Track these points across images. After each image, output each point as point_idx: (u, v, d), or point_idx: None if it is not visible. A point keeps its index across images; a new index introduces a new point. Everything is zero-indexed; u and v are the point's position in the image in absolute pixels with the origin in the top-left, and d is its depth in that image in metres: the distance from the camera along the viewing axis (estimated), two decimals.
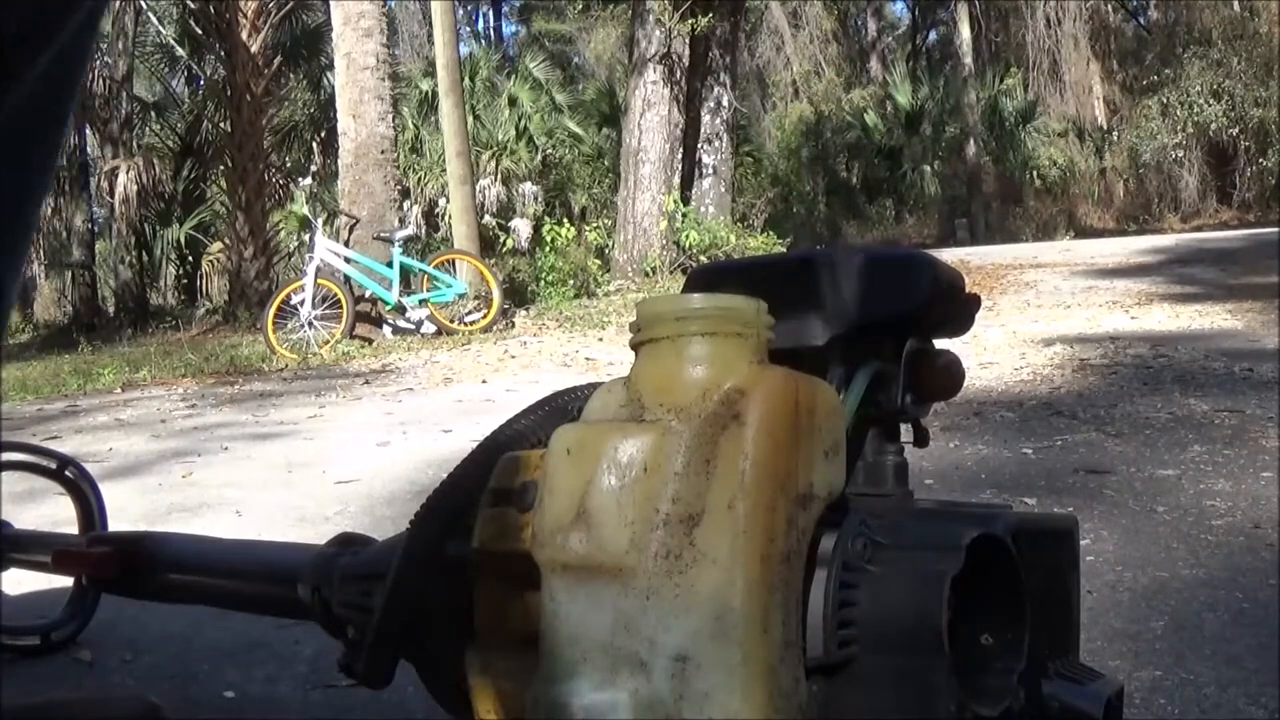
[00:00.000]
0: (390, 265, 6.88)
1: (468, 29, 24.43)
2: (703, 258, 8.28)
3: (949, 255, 7.84)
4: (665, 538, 0.30)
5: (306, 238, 7.42)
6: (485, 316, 6.87)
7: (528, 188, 13.41)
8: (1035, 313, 4.82)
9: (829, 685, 0.32)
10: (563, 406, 0.40)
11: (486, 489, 0.37)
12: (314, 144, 13.97)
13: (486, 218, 12.33)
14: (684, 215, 8.63)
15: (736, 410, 0.31)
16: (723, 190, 9.46)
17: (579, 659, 0.30)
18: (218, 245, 12.53)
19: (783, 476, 0.31)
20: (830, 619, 0.32)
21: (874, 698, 0.32)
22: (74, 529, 1.08)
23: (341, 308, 6.53)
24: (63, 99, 0.71)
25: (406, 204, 12.01)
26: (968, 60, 18.39)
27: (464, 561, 0.37)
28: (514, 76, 14.95)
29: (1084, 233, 15.81)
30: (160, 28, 13.29)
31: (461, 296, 7.05)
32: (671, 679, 0.29)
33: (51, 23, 0.66)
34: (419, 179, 13.32)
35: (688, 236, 8.44)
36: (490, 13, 26.10)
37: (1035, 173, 17.74)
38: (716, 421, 0.31)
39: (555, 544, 0.31)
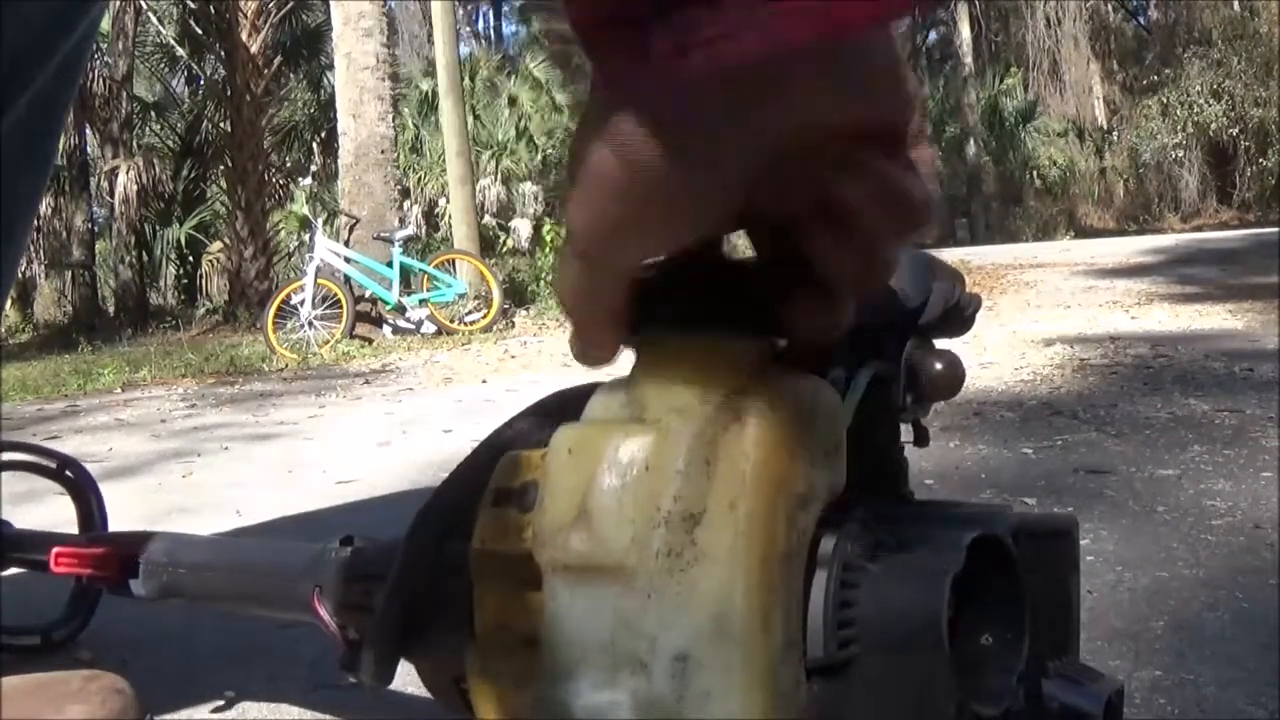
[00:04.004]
0: (390, 265, 6.88)
1: (468, 29, 24.43)
2: None
3: (949, 255, 7.83)
4: (666, 537, 0.30)
5: (306, 238, 7.42)
6: (485, 316, 6.87)
7: (528, 188, 13.42)
8: (1035, 313, 4.82)
9: (829, 685, 0.32)
10: (564, 406, 0.40)
11: (487, 489, 0.37)
12: (314, 144, 13.97)
13: (486, 218, 12.34)
14: None
15: (737, 410, 0.31)
16: None
17: (579, 659, 0.30)
18: (218, 245, 12.53)
19: (783, 477, 0.30)
20: (831, 619, 0.32)
21: (874, 698, 0.32)
22: (74, 529, 1.09)
23: (341, 308, 6.53)
24: (56, 113, 0.71)
25: (406, 204, 12.01)
26: (968, 60, 18.40)
27: (464, 562, 0.37)
28: (514, 76, 14.96)
29: (1084, 233, 15.81)
30: (160, 28, 13.29)
31: (461, 296, 7.05)
32: (672, 679, 0.29)
33: (55, 38, 0.66)
34: (419, 179, 13.32)
35: None
36: (490, 13, 26.13)
37: (1035, 173, 17.75)
38: (717, 421, 0.31)
39: (556, 543, 0.31)
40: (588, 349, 0.33)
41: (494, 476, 0.37)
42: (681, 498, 0.30)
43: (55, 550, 0.86)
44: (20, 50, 0.63)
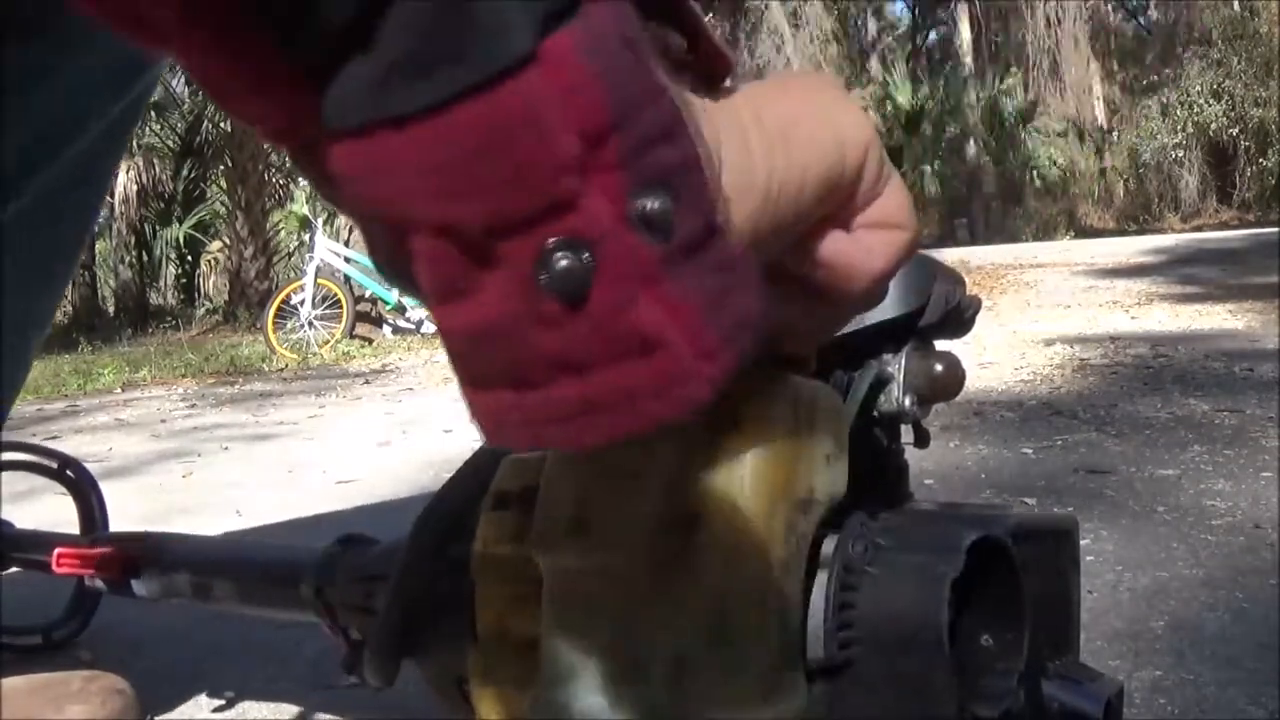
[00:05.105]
0: None
1: None
2: None
3: (949, 255, 7.83)
4: (664, 541, 0.30)
5: (306, 238, 7.43)
6: None
7: None
8: (1035, 313, 4.82)
9: (829, 687, 0.32)
10: None
11: (489, 491, 0.37)
12: None
13: None
14: None
15: (735, 415, 0.31)
16: None
17: (579, 662, 0.30)
18: (218, 245, 12.53)
19: (782, 481, 0.30)
20: (831, 620, 0.32)
21: (874, 699, 0.33)
22: (74, 529, 1.09)
23: (341, 308, 6.54)
24: (101, 170, 0.71)
25: None
26: (968, 60, 18.41)
27: (466, 563, 0.37)
28: None
29: (1084, 233, 15.81)
30: None
31: None
32: (670, 682, 0.29)
33: (106, 101, 0.66)
34: None
35: None
36: None
37: (1035, 173, 17.73)
38: (715, 426, 0.31)
39: (555, 547, 0.31)
40: None
41: (495, 480, 0.37)
42: (679, 502, 0.30)
43: (58, 551, 0.86)
44: (68, 114, 0.63)
